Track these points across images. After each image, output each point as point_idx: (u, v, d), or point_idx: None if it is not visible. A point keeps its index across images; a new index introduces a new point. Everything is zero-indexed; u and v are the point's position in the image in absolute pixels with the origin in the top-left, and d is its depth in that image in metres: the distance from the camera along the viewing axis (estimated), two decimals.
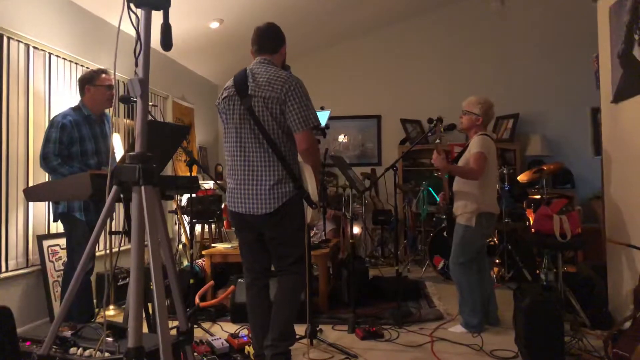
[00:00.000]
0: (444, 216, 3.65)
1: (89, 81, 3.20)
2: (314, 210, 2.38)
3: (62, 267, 3.59)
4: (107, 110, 3.37)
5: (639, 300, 2.39)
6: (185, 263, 4.63)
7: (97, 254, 3.68)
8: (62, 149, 3.02)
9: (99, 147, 3.20)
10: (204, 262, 4.10)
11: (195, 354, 2.69)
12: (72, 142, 3.07)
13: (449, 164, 3.32)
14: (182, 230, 5.02)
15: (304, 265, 2.48)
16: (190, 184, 2.70)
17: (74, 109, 3.17)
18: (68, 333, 2.00)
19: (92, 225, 3.08)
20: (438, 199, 3.89)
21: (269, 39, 2.52)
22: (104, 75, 3.21)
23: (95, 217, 3.10)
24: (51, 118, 3.19)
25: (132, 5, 1.38)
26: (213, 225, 5.30)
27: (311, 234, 3.81)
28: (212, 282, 3.79)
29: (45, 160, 3.00)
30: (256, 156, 2.39)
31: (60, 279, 3.56)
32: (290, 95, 2.33)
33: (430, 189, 5.58)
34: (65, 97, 3.80)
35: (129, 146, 4.51)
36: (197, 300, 3.47)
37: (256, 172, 2.38)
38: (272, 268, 2.61)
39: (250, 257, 2.57)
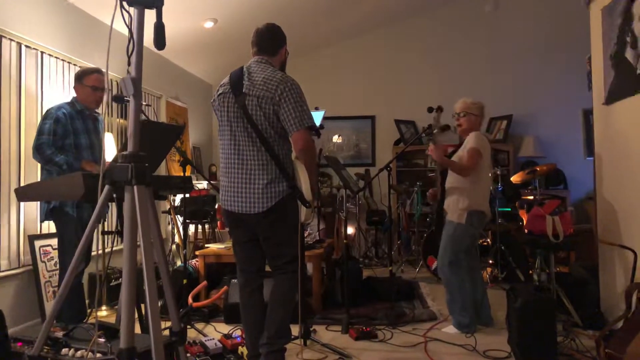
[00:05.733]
0: (434, 215, 3.65)
1: (77, 79, 3.19)
2: (308, 210, 2.38)
3: (54, 268, 3.57)
4: (100, 114, 3.35)
5: (631, 300, 2.41)
6: (179, 263, 4.61)
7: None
8: (56, 140, 3.00)
9: (93, 141, 3.19)
10: (197, 263, 4.09)
11: (188, 354, 2.69)
12: (66, 135, 3.05)
13: (444, 157, 3.25)
14: (176, 231, 5.00)
15: (298, 264, 2.48)
16: (184, 184, 2.69)
17: (68, 103, 3.17)
18: (60, 334, 1.99)
19: (85, 222, 3.06)
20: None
21: (268, 41, 2.51)
22: (94, 74, 3.19)
23: (88, 215, 3.08)
24: (45, 111, 3.17)
25: (124, 4, 1.37)
26: (207, 226, 5.29)
27: (305, 234, 3.81)
28: (205, 283, 3.78)
29: (38, 151, 2.97)
30: (250, 155, 2.39)
31: (52, 279, 3.54)
32: (284, 96, 2.33)
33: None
34: (58, 96, 3.77)
35: (122, 146, 4.50)
36: (190, 300, 3.46)
37: (250, 170, 2.38)
38: (266, 268, 2.61)
39: (243, 257, 2.56)
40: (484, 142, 3.24)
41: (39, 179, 3.30)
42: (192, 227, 5.17)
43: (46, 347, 1.87)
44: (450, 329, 3.29)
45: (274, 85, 2.34)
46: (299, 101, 2.35)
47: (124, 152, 1.38)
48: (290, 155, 2.47)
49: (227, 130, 2.44)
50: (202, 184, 5.71)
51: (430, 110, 3.41)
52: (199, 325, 3.43)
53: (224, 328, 3.37)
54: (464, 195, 3.22)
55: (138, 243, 1.33)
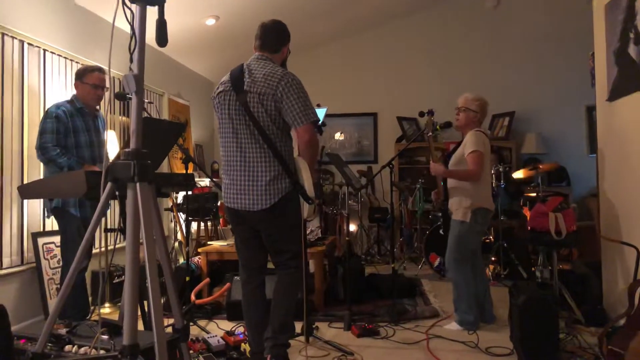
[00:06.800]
0: (440, 214, 3.68)
1: (78, 77, 3.20)
2: (310, 206, 2.38)
3: (57, 265, 3.58)
4: (101, 112, 3.36)
5: (633, 297, 2.40)
6: (181, 260, 4.62)
7: (93, 251, 3.67)
8: (59, 139, 3.01)
9: (92, 139, 3.19)
10: (199, 260, 4.10)
11: (191, 351, 2.69)
12: (66, 133, 3.06)
13: (446, 170, 3.33)
14: (178, 228, 5.01)
15: (301, 260, 2.48)
16: (186, 182, 2.70)
17: (68, 101, 3.18)
18: (63, 331, 1.99)
19: (87, 222, 3.08)
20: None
21: (273, 37, 2.51)
22: (95, 73, 3.19)
23: (91, 213, 3.09)
24: (45, 110, 3.18)
25: (126, 1, 1.37)
26: (209, 223, 5.29)
27: (307, 232, 3.81)
28: (207, 280, 3.79)
29: (42, 151, 2.98)
30: (252, 152, 2.39)
31: (55, 277, 3.55)
32: (286, 91, 2.33)
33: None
34: (60, 94, 3.78)
35: (124, 143, 4.50)
36: (192, 297, 3.47)
37: (253, 168, 2.38)
38: (269, 265, 2.62)
39: (246, 254, 2.57)
40: (484, 140, 3.24)
41: (41, 177, 3.30)
42: (194, 225, 5.18)
43: (49, 344, 1.87)
44: (452, 326, 3.30)
45: (275, 81, 2.34)
46: (301, 96, 2.35)
47: (127, 150, 1.38)
48: (292, 151, 2.47)
49: (229, 128, 2.44)
50: (204, 181, 5.71)
51: (422, 114, 3.46)
52: (202, 322, 3.44)
53: (227, 325, 3.38)
54: (467, 194, 3.22)
55: (141, 240, 1.33)
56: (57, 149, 2.98)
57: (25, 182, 3.37)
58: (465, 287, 3.24)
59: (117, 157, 2.48)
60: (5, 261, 3.29)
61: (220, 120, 2.51)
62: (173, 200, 4.88)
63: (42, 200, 3.30)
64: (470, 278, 3.25)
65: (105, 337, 1.93)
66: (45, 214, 3.22)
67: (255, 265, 2.57)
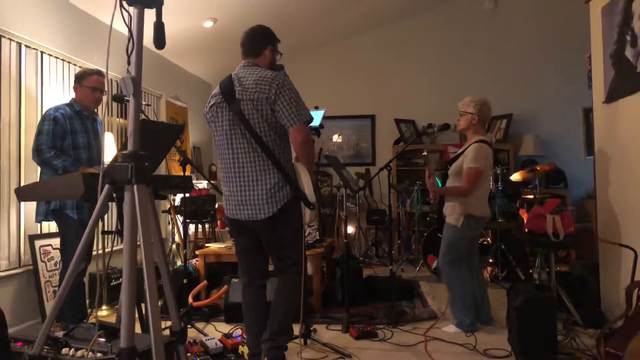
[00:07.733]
0: (435, 216, 3.71)
1: (77, 80, 3.20)
2: (312, 211, 2.38)
3: (54, 267, 3.57)
4: (99, 115, 3.36)
5: (631, 298, 2.41)
6: (179, 263, 4.61)
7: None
8: (55, 141, 3.01)
9: (91, 141, 3.19)
10: (197, 262, 4.09)
11: (189, 354, 2.69)
12: (64, 135, 3.06)
13: (439, 188, 3.39)
14: (176, 230, 5.00)
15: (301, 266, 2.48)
16: (184, 184, 2.69)
17: (67, 104, 3.18)
18: (60, 333, 1.98)
19: (85, 224, 3.06)
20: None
21: (253, 41, 2.52)
22: (94, 76, 3.19)
23: (89, 216, 3.08)
24: (44, 111, 3.18)
25: (124, 3, 1.37)
26: (207, 225, 5.29)
27: (305, 234, 3.81)
28: (205, 282, 3.78)
29: (38, 153, 2.98)
30: (248, 162, 2.37)
31: (52, 279, 3.54)
32: (279, 93, 2.33)
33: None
34: (58, 96, 3.77)
35: (122, 145, 4.50)
36: (190, 300, 3.46)
37: (250, 177, 2.37)
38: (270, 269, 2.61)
39: (248, 261, 2.57)
40: (486, 154, 3.23)
41: (39, 179, 3.29)
42: (192, 227, 5.17)
43: (46, 347, 1.87)
44: (450, 328, 3.30)
45: (266, 84, 2.34)
46: (293, 97, 2.35)
47: (124, 152, 1.38)
48: (290, 158, 2.47)
49: (223, 140, 2.43)
50: (202, 184, 5.71)
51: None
52: (200, 325, 3.43)
53: (224, 327, 3.37)
54: (460, 201, 3.23)
55: (138, 243, 1.33)
56: (52, 150, 2.97)
57: (22, 184, 3.37)
58: (459, 289, 3.25)
59: (115, 159, 2.48)
60: (2, 264, 3.28)
61: (215, 134, 2.50)
62: (171, 203, 4.88)
63: (37, 203, 3.29)
64: (464, 280, 3.26)
65: (102, 339, 1.92)
66: (38, 218, 3.18)
67: (257, 271, 2.57)
